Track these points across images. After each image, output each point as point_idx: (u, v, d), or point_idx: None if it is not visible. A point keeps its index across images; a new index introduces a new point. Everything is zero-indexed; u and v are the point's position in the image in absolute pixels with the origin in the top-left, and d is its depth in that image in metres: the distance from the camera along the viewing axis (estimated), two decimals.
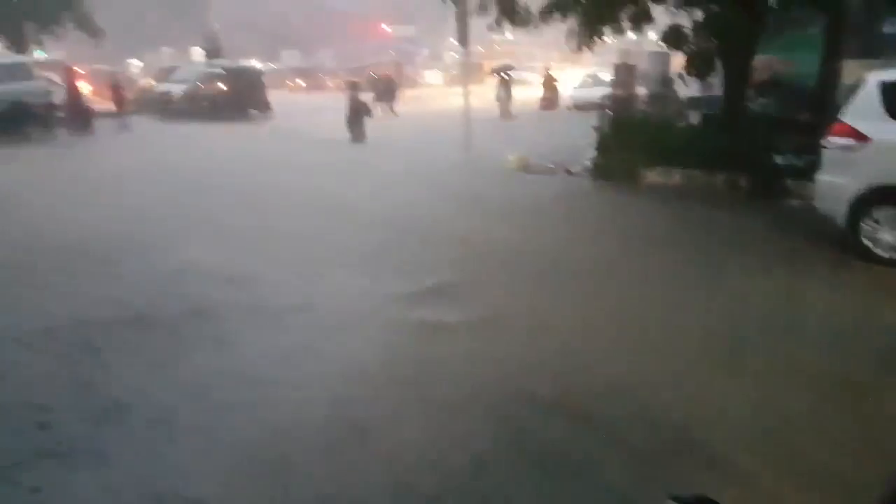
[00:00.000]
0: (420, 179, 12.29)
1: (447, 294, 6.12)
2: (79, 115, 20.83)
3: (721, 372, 4.52)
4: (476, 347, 4.97)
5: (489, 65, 32.36)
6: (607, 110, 12.61)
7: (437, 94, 36.59)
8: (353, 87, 19.68)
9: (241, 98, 25.20)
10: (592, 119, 14.09)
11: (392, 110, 25.60)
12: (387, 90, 26.27)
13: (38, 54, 28.29)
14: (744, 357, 4.76)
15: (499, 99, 24.38)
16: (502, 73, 25.42)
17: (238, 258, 7.30)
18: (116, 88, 22.70)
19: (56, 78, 22.94)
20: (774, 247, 7.59)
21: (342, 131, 18.49)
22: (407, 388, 4.36)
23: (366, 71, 35.39)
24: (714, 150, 10.73)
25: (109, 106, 22.69)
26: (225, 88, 25.05)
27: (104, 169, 14.18)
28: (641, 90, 15.19)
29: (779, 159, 10.24)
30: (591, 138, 13.10)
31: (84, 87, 23.61)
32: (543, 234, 8.61)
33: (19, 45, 25.51)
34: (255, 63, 35.46)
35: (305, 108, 29.03)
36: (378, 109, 23.62)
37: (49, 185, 12.27)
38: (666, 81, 14.37)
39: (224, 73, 25.86)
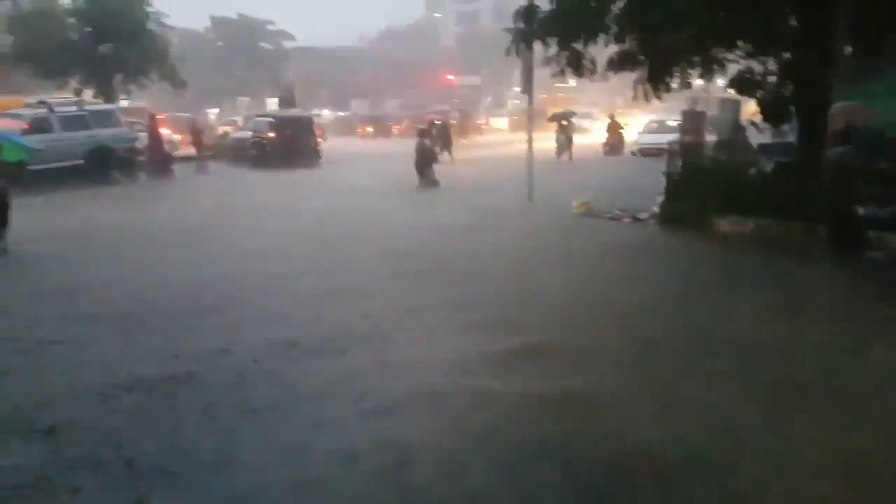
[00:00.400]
0: (486, 226, 12.24)
1: (533, 355, 5.67)
2: (160, 160, 21.98)
3: None
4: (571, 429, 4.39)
5: (552, 111, 32.52)
6: (676, 156, 12.43)
7: (502, 139, 36.87)
8: (423, 133, 20.03)
9: (290, 145, 25.01)
10: (658, 165, 13.94)
11: (450, 155, 25.91)
12: (443, 137, 26.60)
13: (125, 102, 30.00)
14: None
15: (558, 143, 24.93)
16: (561, 120, 26.03)
17: (315, 309, 7.28)
18: (196, 133, 23.98)
19: (140, 124, 24.31)
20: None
21: (409, 176, 18.79)
22: None
23: (426, 118, 35.91)
24: (790, 198, 10.41)
25: (189, 150, 23.96)
26: (273, 136, 25.00)
27: (182, 211, 14.82)
28: (711, 136, 14.98)
29: (860, 210, 9.83)
30: (658, 184, 12.94)
31: (166, 133, 24.88)
32: (623, 286, 8.08)
33: (108, 93, 27.16)
34: (311, 112, 36.17)
35: (374, 153, 29.79)
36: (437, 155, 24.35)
37: (134, 226, 12.91)
38: (737, 128, 14.12)
39: (273, 121, 25.97)
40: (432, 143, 25.33)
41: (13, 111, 21.02)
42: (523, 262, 9.40)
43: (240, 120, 35.43)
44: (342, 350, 5.92)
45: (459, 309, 7.06)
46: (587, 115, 41.36)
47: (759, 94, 11.47)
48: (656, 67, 12.15)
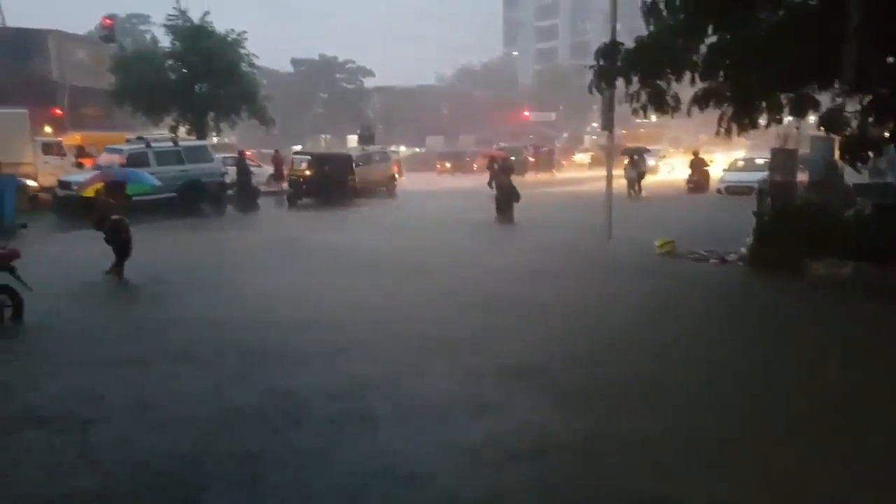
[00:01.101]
0: (565, 269, 11.91)
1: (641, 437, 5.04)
2: (247, 194, 22.89)
3: None
4: None
5: (631, 147, 32.38)
6: (767, 196, 12.00)
7: (582, 175, 36.54)
8: (504, 170, 20.04)
9: (326, 183, 24.05)
10: (745, 204, 13.48)
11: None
12: (505, 172, 26.53)
13: (215, 138, 31.48)
14: None
15: (628, 179, 24.83)
16: (633, 156, 25.99)
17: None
18: (278, 165, 25.15)
19: (229, 159, 25.47)
20: None
21: (487, 212, 18.84)
22: None
23: (489, 154, 35.97)
24: (889, 242, 9.85)
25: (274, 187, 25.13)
26: (309, 173, 24.28)
27: (273, 242, 15.41)
28: (803, 175, 14.40)
29: None
30: (745, 224, 12.49)
31: (253, 168, 25.94)
32: (732, 343, 7.59)
33: (201, 130, 28.58)
34: (389, 148, 36.71)
35: (452, 188, 29.97)
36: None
37: (228, 255, 13.62)
38: (831, 167, 13.52)
39: (311, 158, 25.54)
40: (492, 177, 26.24)
41: (114, 146, 22.43)
42: (609, 313, 8.92)
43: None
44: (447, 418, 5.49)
45: (546, 373, 6.46)
46: (656, 153, 40.50)
47: (847, 132, 10.96)
48: (744, 105, 11.82)
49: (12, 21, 43.99)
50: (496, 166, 27.05)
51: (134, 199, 19.60)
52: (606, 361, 6.91)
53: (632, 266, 12.21)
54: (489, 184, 27.36)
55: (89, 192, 12.14)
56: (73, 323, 8.62)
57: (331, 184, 24.04)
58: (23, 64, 36.01)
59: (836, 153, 12.05)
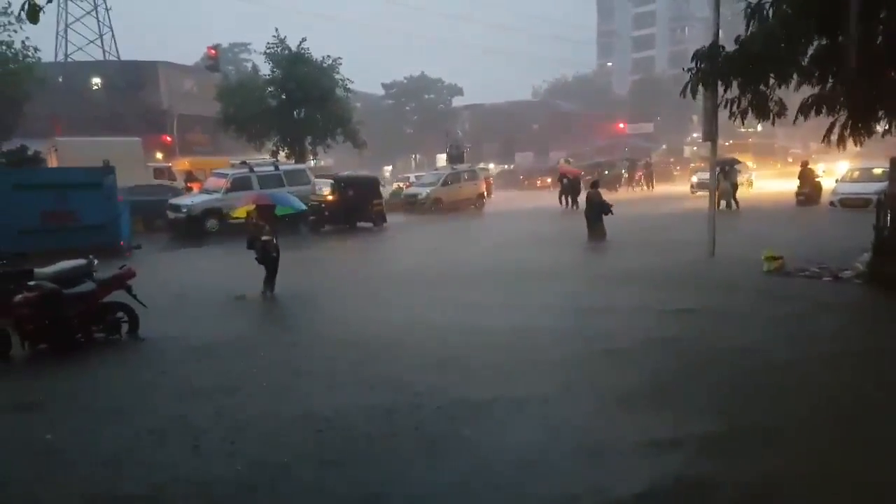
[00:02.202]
0: (668, 288, 11.27)
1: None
2: (342, 215, 23.41)
3: None
4: None
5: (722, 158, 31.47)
6: (886, 208, 11.09)
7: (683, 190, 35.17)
8: (594, 185, 19.31)
9: (351, 207, 23.04)
10: (861, 217, 12.53)
11: (576, 204, 26.34)
12: (572, 187, 27.63)
13: (312, 162, 32.55)
14: None
15: (720, 192, 23.46)
16: (725, 167, 24.97)
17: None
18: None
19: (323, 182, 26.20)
20: None
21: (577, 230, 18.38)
22: None
23: (560, 169, 35.63)
24: None
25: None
26: (332, 198, 22.92)
27: (383, 262, 15.96)
28: None
29: None
30: (860, 238, 11.60)
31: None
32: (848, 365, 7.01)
33: (299, 154, 29.64)
34: (478, 166, 36.84)
35: (533, 206, 29.67)
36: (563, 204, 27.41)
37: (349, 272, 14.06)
38: None
39: (333, 182, 23.63)
40: (563, 192, 27.91)
41: (220, 170, 23.58)
42: (718, 338, 8.17)
43: (411, 177, 37.25)
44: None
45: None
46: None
47: None
48: (858, 112, 11.05)
49: (126, 55, 47.43)
50: (565, 181, 28.40)
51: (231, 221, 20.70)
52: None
53: (736, 284, 11.45)
54: (560, 199, 28.27)
55: (240, 214, 12.77)
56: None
57: (355, 209, 23.10)
58: (135, 94, 38.74)
59: None
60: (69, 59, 47.10)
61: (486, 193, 31.83)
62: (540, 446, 5.15)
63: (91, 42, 48.52)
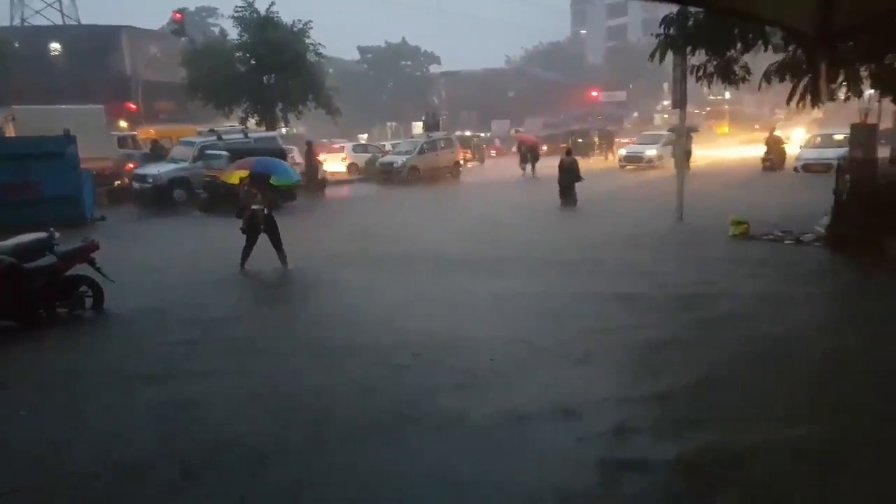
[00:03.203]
0: (637, 251, 11.67)
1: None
2: (315, 182, 23.25)
3: None
4: None
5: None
6: (846, 173, 11.33)
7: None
8: (568, 153, 19.70)
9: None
10: (823, 182, 12.82)
11: (533, 173, 28.39)
12: (532, 154, 29.31)
13: (284, 129, 32.10)
14: None
15: (675, 157, 24.19)
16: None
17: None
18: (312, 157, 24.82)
19: (296, 149, 25.93)
20: None
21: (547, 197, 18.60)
22: None
23: (517, 138, 36.64)
24: None
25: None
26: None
27: (345, 231, 15.57)
28: (884, 151, 13.56)
29: None
30: (823, 203, 11.86)
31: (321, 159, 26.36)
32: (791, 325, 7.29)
33: (270, 122, 29.18)
34: (454, 134, 36.63)
35: (513, 172, 29.71)
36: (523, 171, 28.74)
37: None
38: None
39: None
40: (522, 160, 29.37)
41: (187, 139, 23.17)
42: (686, 299, 8.66)
43: (387, 145, 36.94)
44: None
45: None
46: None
47: None
48: (819, 77, 11.17)
49: (87, 19, 45.98)
50: (524, 149, 29.87)
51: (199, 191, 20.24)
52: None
53: (702, 246, 11.94)
54: (521, 167, 29.38)
55: (232, 179, 11.66)
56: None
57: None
58: (98, 61, 37.63)
59: None
60: (26, 24, 45.63)
61: (461, 163, 31.62)
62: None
63: (49, 5, 47.03)
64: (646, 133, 34.70)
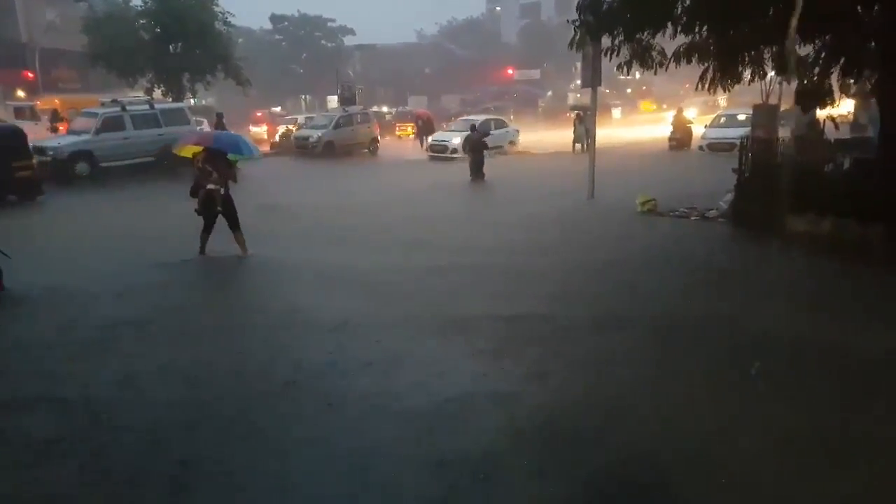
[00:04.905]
0: (546, 226, 12.10)
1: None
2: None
3: None
4: None
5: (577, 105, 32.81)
6: (748, 152, 11.96)
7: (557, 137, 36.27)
8: (473, 128, 20.16)
9: None
10: (727, 161, 13.51)
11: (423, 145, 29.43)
12: (427, 128, 30.75)
13: (192, 101, 30.85)
14: None
15: (576, 135, 26.88)
16: (579, 112, 27.77)
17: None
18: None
19: (206, 121, 25.01)
20: None
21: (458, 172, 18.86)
22: None
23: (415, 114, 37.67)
24: (869, 198, 9.85)
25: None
26: None
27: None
28: (784, 131, 14.39)
29: None
30: (727, 181, 12.51)
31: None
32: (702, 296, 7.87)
33: (177, 92, 27.97)
34: (371, 109, 36.27)
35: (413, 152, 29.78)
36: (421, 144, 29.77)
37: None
38: (812, 122, 13.48)
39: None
40: (417, 134, 31.59)
41: (90, 109, 21.94)
42: (588, 270, 9.22)
43: (300, 118, 36.12)
44: None
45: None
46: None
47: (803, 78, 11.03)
48: (726, 60, 11.70)
49: None
50: (420, 123, 31.97)
51: (102, 165, 19.35)
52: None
53: (610, 222, 12.46)
54: (419, 140, 31.17)
55: (185, 152, 10.54)
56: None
57: None
58: None
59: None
60: None
61: (378, 139, 31.22)
62: None
63: None
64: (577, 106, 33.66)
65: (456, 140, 26.23)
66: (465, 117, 30.56)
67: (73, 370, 5.81)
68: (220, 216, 9.99)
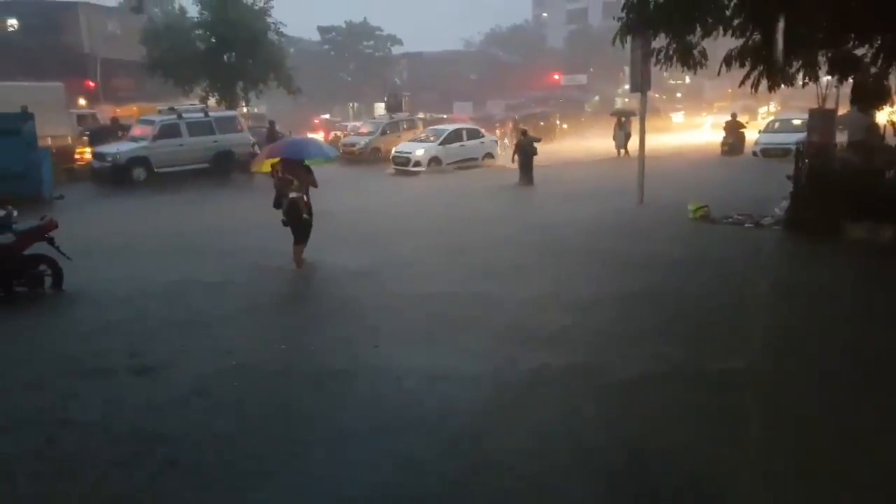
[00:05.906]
0: (597, 235, 11.85)
1: None
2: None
3: None
4: None
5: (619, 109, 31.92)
6: (804, 158, 11.67)
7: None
8: (524, 133, 20.17)
9: None
10: (782, 167, 13.19)
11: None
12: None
13: (245, 109, 31.60)
14: None
15: (616, 140, 26.44)
16: (620, 117, 27.18)
17: None
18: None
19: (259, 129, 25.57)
20: None
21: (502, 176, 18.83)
22: None
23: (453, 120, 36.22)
24: None
25: None
26: None
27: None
28: (842, 137, 14.00)
29: None
30: (782, 187, 12.22)
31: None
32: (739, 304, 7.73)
33: (230, 101, 28.70)
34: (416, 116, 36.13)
35: None
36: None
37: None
38: (871, 127, 13.09)
39: None
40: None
41: (147, 117, 22.66)
42: (641, 280, 9.01)
43: (349, 125, 36.68)
44: None
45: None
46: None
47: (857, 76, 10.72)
48: (774, 63, 11.45)
49: None
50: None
51: (157, 170, 19.84)
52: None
53: (662, 229, 12.14)
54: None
55: (263, 168, 10.35)
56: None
57: None
58: (54, 37, 36.43)
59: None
60: None
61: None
62: None
63: None
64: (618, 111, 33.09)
65: (419, 152, 23.39)
66: (434, 126, 28.32)
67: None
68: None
